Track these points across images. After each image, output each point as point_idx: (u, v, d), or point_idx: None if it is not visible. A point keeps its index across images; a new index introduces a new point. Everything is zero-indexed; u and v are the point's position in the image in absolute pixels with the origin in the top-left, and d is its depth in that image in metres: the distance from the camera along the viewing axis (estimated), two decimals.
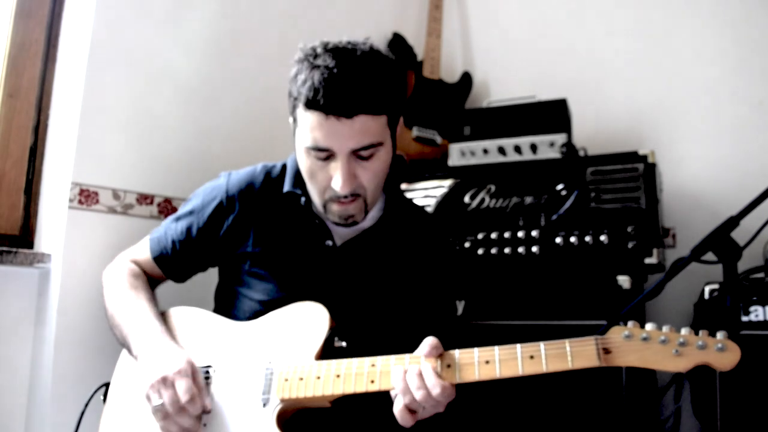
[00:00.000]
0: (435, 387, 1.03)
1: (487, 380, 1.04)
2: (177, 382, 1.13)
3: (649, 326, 0.99)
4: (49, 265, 1.61)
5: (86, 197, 1.65)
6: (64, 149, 1.67)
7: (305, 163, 1.26)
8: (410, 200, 1.52)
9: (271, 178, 1.39)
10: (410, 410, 1.06)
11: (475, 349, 1.06)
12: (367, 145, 1.20)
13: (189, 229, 1.39)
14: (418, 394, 1.04)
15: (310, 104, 1.17)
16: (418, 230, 1.42)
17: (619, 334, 0.99)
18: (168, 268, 1.42)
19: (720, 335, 0.96)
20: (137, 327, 1.27)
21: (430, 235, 1.43)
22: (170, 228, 1.42)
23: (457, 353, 1.07)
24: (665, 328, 0.98)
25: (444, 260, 1.44)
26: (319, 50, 1.20)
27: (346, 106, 1.16)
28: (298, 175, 1.36)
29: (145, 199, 1.77)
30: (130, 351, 1.28)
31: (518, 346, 1.03)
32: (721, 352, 0.94)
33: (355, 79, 1.17)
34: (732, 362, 0.94)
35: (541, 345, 1.02)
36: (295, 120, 1.25)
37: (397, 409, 1.07)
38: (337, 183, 1.20)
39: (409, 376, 1.06)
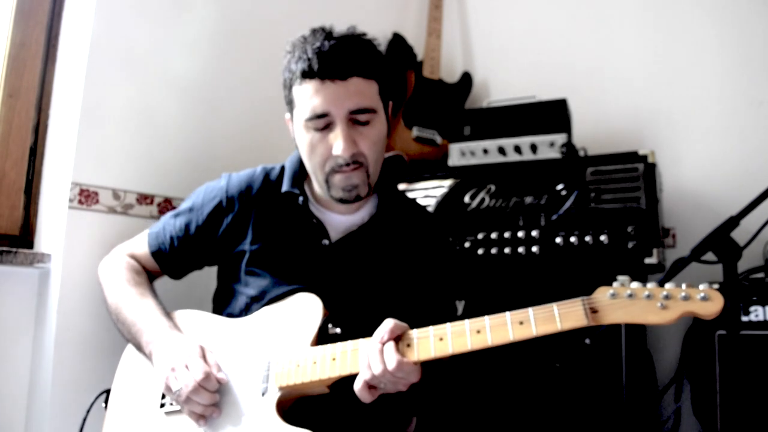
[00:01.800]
0: (391, 362, 1.06)
1: (479, 349, 1.05)
2: (190, 365, 1.18)
3: (633, 284, 1.01)
4: (49, 265, 1.61)
5: (86, 197, 1.65)
6: (64, 149, 1.67)
7: (305, 140, 1.29)
8: (405, 196, 1.54)
9: (270, 180, 1.41)
10: (369, 386, 1.09)
11: (466, 321, 1.07)
12: (363, 108, 1.26)
13: (188, 226, 1.41)
14: (377, 369, 1.06)
15: (306, 74, 1.24)
16: (413, 224, 1.44)
17: (604, 293, 1.02)
18: (165, 264, 1.45)
19: (702, 286, 0.98)
20: (148, 325, 1.29)
21: (425, 229, 1.45)
22: (169, 224, 1.44)
23: (448, 326, 1.08)
24: (650, 284, 1.00)
25: (439, 252, 1.45)
26: (307, 34, 1.29)
27: (339, 68, 1.23)
28: (296, 176, 1.40)
29: (145, 199, 1.78)
30: (141, 348, 1.31)
31: (507, 313, 1.06)
32: (704, 302, 0.96)
33: (346, 46, 1.26)
34: (716, 310, 0.96)
35: (530, 310, 1.05)
36: (291, 103, 1.31)
37: (357, 385, 1.10)
38: (339, 147, 1.25)
39: (371, 352, 1.08)
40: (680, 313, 0.97)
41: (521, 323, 1.04)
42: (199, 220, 1.40)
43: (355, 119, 1.26)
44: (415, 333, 1.10)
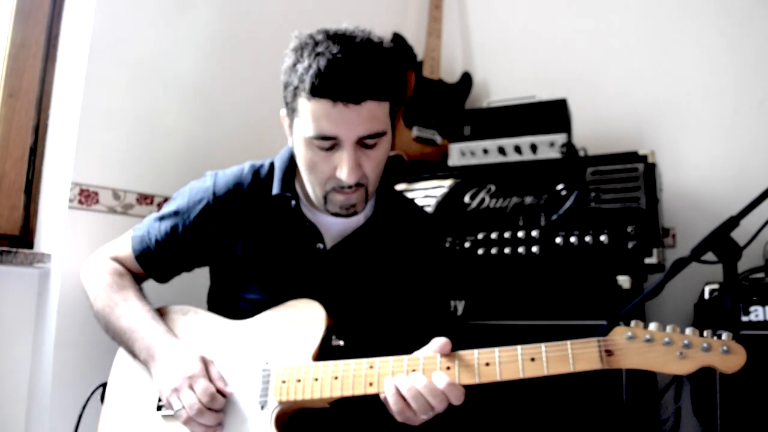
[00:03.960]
0: (452, 390, 1.02)
1: (489, 383, 1.03)
2: (195, 385, 1.14)
3: (652, 326, 0.97)
4: (49, 265, 1.61)
5: (86, 197, 1.65)
6: (64, 149, 1.67)
7: (305, 155, 1.22)
8: (402, 196, 1.49)
9: (260, 179, 1.35)
10: (416, 412, 1.05)
11: (475, 351, 1.05)
12: (374, 133, 1.18)
13: (174, 229, 1.36)
14: (435, 399, 1.02)
15: (317, 91, 1.14)
16: (409, 227, 1.40)
17: (621, 335, 0.97)
18: (150, 268, 1.40)
19: (725, 336, 0.94)
20: (139, 334, 1.26)
21: (421, 232, 1.42)
22: (153, 227, 1.39)
23: (457, 356, 1.06)
24: (668, 329, 0.96)
25: (436, 257, 1.43)
26: (319, 38, 1.18)
27: (354, 92, 1.14)
28: (287, 177, 1.34)
29: (145, 199, 1.77)
30: (134, 356, 1.27)
31: (519, 347, 1.02)
32: (726, 355, 0.93)
33: (362, 65, 1.15)
34: (737, 365, 0.92)
35: (543, 347, 1.01)
36: (293, 111, 1.21)
37: (399, 409, 1.06)
38: (344, 172, 1.18)
39: (418, 378, 1.04)
40: (699, 365, 0.93)
41: (533, 360, 1.00)
42: (186, 224, 1.35)
43: (365, 144, 1.19)
44: (422, 360, 1.08)
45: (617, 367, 0.97)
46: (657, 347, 0.95)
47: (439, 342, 1.08)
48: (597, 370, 0.99)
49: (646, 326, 0.98)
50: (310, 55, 1.16)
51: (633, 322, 0.98)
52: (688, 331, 0.95)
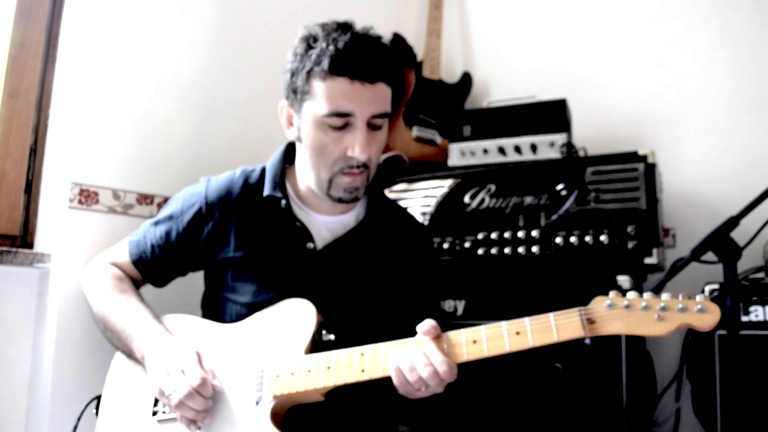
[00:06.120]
0: (442, 364, 1.05)
1: (476, 359, 1.06)
2: (187, 370, 1.17)
3: (630, 294, 1.01)
4: (49, 265, 1.61)
5: (86, 197, 1.65)
6: (64, 149, 1.67)
7: (314, 137, 1.25)
8: (391, 201, 1.53)
9: (250, 184, 1.39)
10: (414, 388, 1.08)
11: (462, 330, 1.08)
12: (383, 113, 1.25)
13: (168, 234, 1.39)
14: (425, 371, 1.05)
15: (335, 69, 1.20)
16: (399, 230, 1.43)
17: (601, 303, 1.02)
18: (147, 273, 1.42)
19: (699, 297, 0.99)
20: (138, 330, 1.28)
21: (411, 235, 1.45)
22: (149, 232, 1.42)
23: (445, 336, 1.09)
24: (646, 295, 1.01)
25: (425, 259, 1.45)
26: (330, 26, 1.26)
27: (370, 72, 1.22)
28: (278, 179, 1.37)
29: (145, 199, 1.78)
30: (132, 354, 1.29)
31: (504, 323, 1.06)
32: (701, 314, 0.97)
33: (375, 49, 1.25)
34: (712, 322, 0.97)
35: (526, 320, 1.05)
36: (305, 93, 1.25)
37: (400, 383, 1.08)
38: (356, 150, 1.23)
39: (415, 353, 1.07)
40: (677, 325, 0.98)
41: (518, 333, 1.04)
42: (179, 228, 1.38)
43: (373, 124, 1.25)
44: (410, 342, 1.10)
45: (599, 335, 1.01)
46: (635, 312, 0.99)
47: (427, 324, 1.10)
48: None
49: (624, 295, 1.02)
50: (326, 39, 1.22)
51: (612, 292, 1.02)
52: (665, 295, 1.00)
